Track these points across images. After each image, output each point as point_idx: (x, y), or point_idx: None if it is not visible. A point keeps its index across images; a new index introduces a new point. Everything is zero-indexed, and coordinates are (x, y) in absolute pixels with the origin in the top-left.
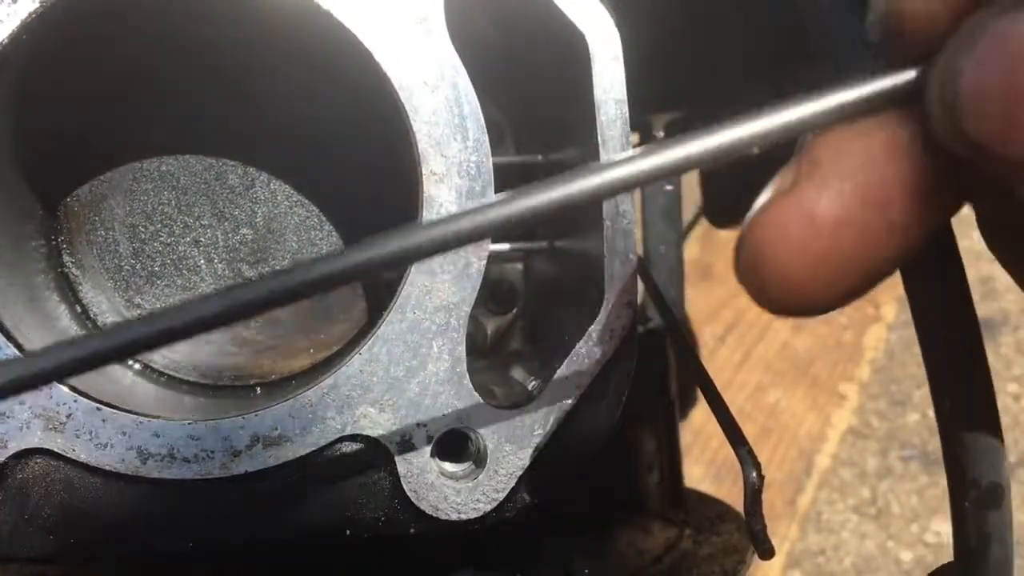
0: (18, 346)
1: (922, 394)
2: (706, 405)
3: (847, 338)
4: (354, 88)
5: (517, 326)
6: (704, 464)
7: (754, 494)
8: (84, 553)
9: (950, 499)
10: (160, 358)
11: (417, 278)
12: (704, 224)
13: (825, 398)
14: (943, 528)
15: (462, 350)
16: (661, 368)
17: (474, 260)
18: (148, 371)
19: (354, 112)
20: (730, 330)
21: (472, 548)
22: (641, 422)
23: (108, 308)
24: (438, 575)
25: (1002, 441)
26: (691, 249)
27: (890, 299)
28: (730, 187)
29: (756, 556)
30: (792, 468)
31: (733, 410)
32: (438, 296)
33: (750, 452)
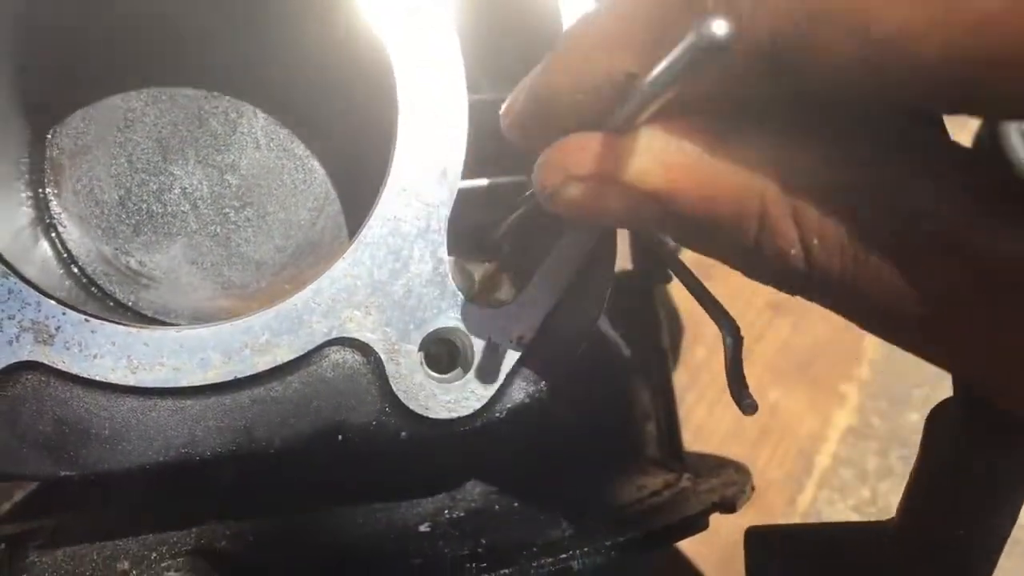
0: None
1: (922, 394)
2: (707, 403)
3: (847, 338)
4: (337, 30)
5: (505, 274)
6: None
7: (734, 353)
8: (79, 468)
9: None
10: (147, 306)
11: (395, 183)
12: None
13: (825, 398)
14: None
15: (444, 251)
16: (652, 320)
17: (451, 163)
18: (138, 318)
19: (337, 55)
20: None
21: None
22: (635, 374)
23: (96, 257)
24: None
25: None
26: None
27: None
28: None
29: (754, 491)
30: (792, 467)
31: (734, 408)
32: (417, 200)
33: (725, 315)
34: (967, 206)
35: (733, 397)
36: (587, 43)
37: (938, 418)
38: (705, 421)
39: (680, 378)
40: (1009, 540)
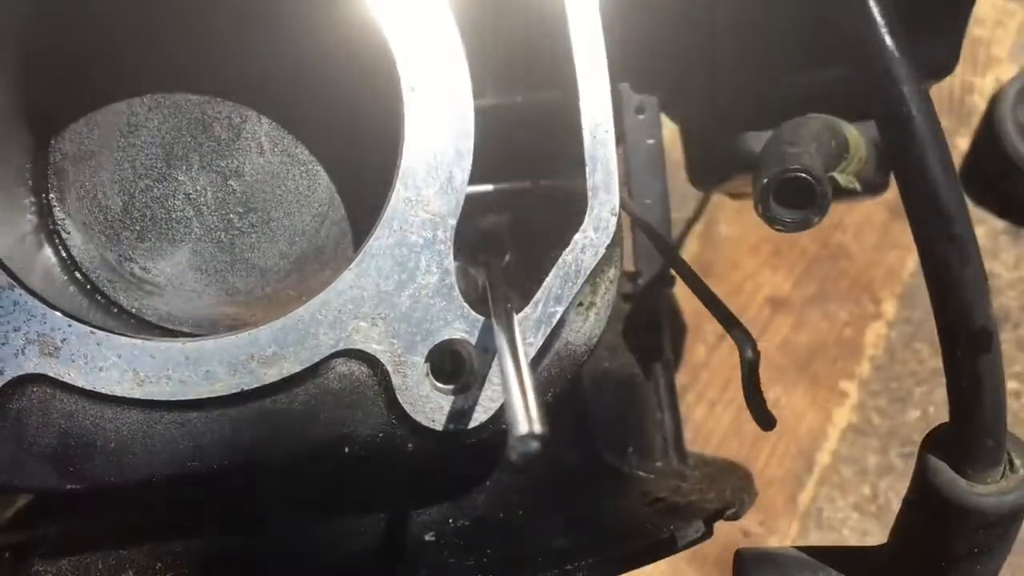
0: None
1: (923, 391)
2: (707, 402)
3: (847, 335)
4: (340, 34)
5: (510, 277)
6: None
7: (751, 369)
8: (85, 482)
9: (943, 355)
10: (151, 312)
11: (401, 192)
12: (704, 221)
13: (825, 395)
14: None
15: (450, 262)
16: (656, 328)
17: (457, 172)
18: (142, 324)
19: (342, 60)
20: None
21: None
22: (640, 385)
23: (100, 263)
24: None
25: (987, 285)
26: (691, 246)
27: (890, 296)
28: (712, 147)
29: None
30: (792, 465)
31: (734, 407)
32: (423, 210)
33: (743, 331)
34: None
35: (752, 414)
36: None
37: (932, 446)
38: (705, 420)
39: (680, 377)
40: None
